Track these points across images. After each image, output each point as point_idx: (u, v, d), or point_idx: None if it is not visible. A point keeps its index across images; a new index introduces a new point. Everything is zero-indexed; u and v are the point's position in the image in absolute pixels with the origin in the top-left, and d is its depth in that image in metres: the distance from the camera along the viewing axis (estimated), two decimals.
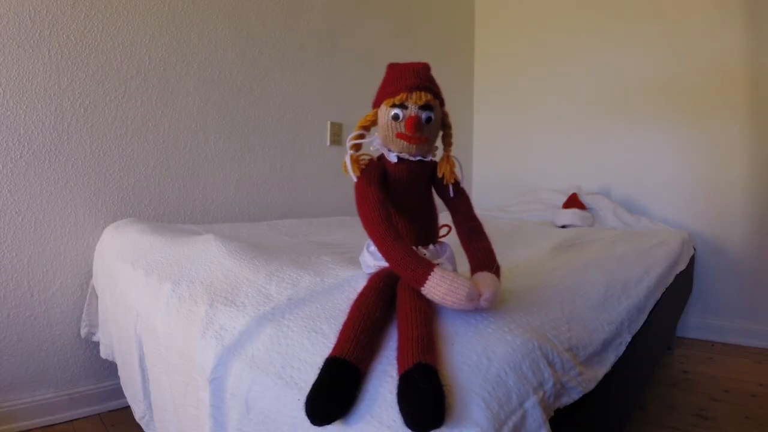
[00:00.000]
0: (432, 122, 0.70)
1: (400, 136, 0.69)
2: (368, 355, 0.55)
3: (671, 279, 1.41)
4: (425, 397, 0.45)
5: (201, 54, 1.59)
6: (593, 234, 1.73)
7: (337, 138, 2.05)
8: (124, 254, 1.12)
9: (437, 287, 0.58)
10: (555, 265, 1.09)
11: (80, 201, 1.35)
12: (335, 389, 0.49)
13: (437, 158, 0.77)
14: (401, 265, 0.61)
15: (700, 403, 1.53)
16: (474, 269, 0.71)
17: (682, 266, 1.61)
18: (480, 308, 0.60)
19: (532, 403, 0.52)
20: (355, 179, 0.71)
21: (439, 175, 0.76)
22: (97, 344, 1.36)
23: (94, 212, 1.38)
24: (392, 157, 0.72)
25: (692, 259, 1.92)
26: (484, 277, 0.64)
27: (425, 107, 0.69)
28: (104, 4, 1.37)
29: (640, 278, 1.10)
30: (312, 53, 1.92)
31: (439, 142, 0.76)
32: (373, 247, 0.75)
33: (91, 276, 1.36)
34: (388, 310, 0.62)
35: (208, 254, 0.95)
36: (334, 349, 0.54)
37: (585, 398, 0.66)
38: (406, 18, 2.40)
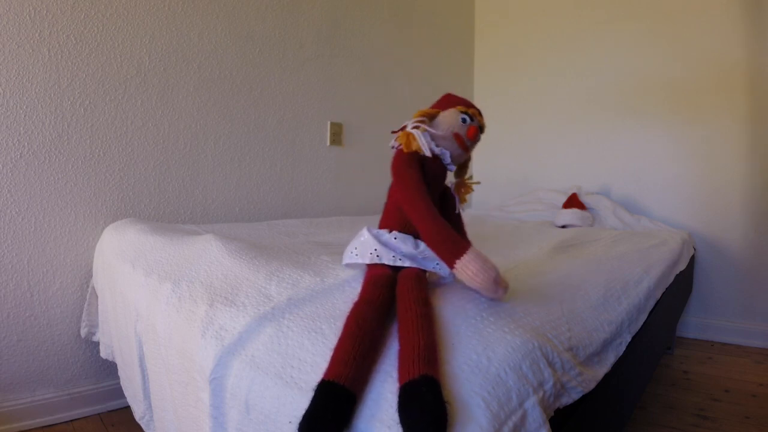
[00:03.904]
0: (477, 141, 0.82)
1: (457, 136, 0.78)
2: (365, 375, 0.53)
3: (671, 279, 1.41)
4: (431, 411, 0.44)
5: (201, 54, 1.59)
6: (593, 234, 1.73)
7: (337, 138, 2.05)
8: (124, 254, 1.12)
9: (470, 264, 0.62)
10: (555, 265, 1.09)
11: (80, 201, 1.35)
12: (329, 419, 0.47)
13: (453, 180, 0.86)
14: (438, 239, 0.65)
15: (700, 403, 1.53)
16: None
17: (682, 266, 1.61)
18: (497, 297, 0.65)
19: (532, 403, 0.52)
20: (429, 154, 0.76)
21: (457, 194, 0.84)
22: (97, 344, 1.36)
23: (94, 212, 1.38)
24: (436, 150, 0.79)
25: (692, 259, 1.92)
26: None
27: (481, 129, 0.83)
28: (104, 4, 1.37)
29: (640, 278, 1.10)
30: (312, 53, 1.92)
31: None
32: (376, 231, 0.74)
33: (91, 276, 1.36)
34: (386, 323, 0.60)
35: (208, 254, 0.95)
36: (330, 370, 0.52)
37: (585, 398, 0.66)
38: (406, 18, 2.40)
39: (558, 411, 0.60)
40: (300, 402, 0.53)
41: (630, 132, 2.36)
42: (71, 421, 1.34)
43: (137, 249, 1.10)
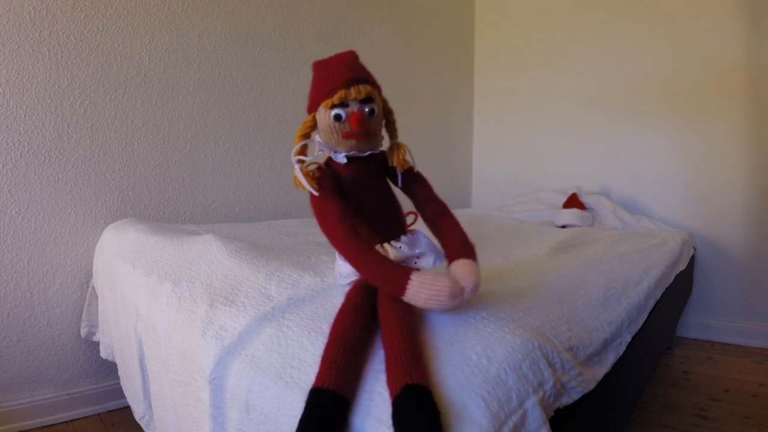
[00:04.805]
0: (375, 114, 0.68)
1: (346, 135, 0.66)
2: (354, 378, 0.53)
3: (671, 279, 1.41)
4: (420, 421, 0.44)
5: (201, 54, 1.59)
6: (593, 234, 1.73)
7: None
8: (124, 254, 1.12)
9: (418, 294, 0.57)
10: (555, 265, 1.09)
11: (80, 201, 1.35)
12: (322, 424, 0.48)
13: (385, 148, 0.75)
14: (377, 277, 0.61)
15: (700, 403, 1.53)
16: (450, 256, 0.69)
17: (682, 266, 1.61)
18: (463, 302, 0.60)
19: (532, 403, 0.52)
20: (316, 194, 0.67)
21: (391, 164, 0.74)
22: (97, 344, 1.36)
23: (94, 212, 1.38)
24: (341, 159, 0.69)
25: (692, 259, 1.92)
26: (464, 267, 0.62)
27: (366, 100, 0.67)
28: (104, 4, 1.37)
29: (640, 278, 1.10)
30: (312, 53, 1.92)
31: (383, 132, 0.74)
32: None
33: (91, 276, 1.36)
34: (369, 327, 0.60)
35: (208, 254, 0.95)
36: (318, 378, 0.52)
37: (585, 398, 0.66)
38: (406, 18, 2.40)
39: (558, 411, 0.60)
40: (300, 402, 0.53)
41: (630, 132, 2.36)
42: (71, 421, 1.34)
43: (137, 249, 1.10)
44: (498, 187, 2.81)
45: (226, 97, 1.66)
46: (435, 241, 0.75)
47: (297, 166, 0.68)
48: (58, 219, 1.31)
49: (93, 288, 1.32)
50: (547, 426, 0.52)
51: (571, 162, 2.54)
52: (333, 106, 0.66)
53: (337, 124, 0.66)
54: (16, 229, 1.25)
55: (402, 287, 0.58)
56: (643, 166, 2.32)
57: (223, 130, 1.66)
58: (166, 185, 1.53)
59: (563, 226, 2.10)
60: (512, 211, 2.43)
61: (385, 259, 0.62)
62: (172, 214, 1.54)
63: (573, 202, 2.20)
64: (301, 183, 0.67)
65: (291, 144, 1.85)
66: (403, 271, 0.59)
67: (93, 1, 1.35)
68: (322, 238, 1.30)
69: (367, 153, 0.70)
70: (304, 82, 1.90)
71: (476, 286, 0.60)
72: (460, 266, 0.63)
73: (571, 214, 2.12)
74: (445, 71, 2.70)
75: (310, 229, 1.47)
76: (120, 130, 1.42)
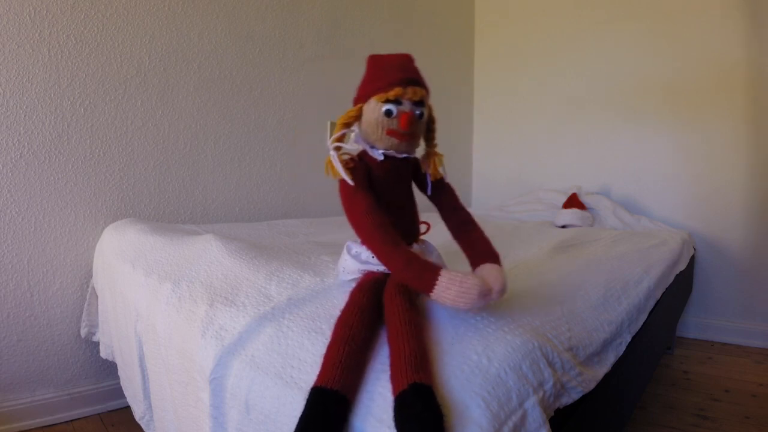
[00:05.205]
0: (422, 119, 0.70)
1: (391, 133, 0.67)
2: (357, 378, 0.52)
3: (671, 279, 1.41)
4: (424, 420, 0.44)
5: (201, 54, 1.59)
6: (593, 234, 1.73)
7: None
8: (124, 254, 1.12)
9: (447, 291, 0.56)
10: (555, 265, 1.09)
11: (80, 201, 1.35)
12: (323, 424, 0.48)
13: (417, 155, 0.76)
14: (405, 272, 0.60)
15: (700, 403, 1.53)
16: (474, 261, 0.70)
17: (682, 266, 1.61)
18: (491, 302, 0.59)
19: (532, 403, 0.52)
20: (351, 182, 0.67)
21: (425, 171, 0.75)
22: (97, 344, 1.36)
23: (94, 212, 1.38)
24: (378, 155, 0.70)
25: (692, 259, 1.92)
26: (490, 270, 0.63)
27: (419, 103, 0.68)
28: (104, 4, 1.37)
29: (640, 278, 1.10)
30: (312, 53, 1.92)
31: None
32: (355, 250, 0.71)
33: (91, 276, 1.36)
34: (375, 326, 0.60)
35: (208, 254, 0.95)
36: (320, 377, 0.52)
37: (585, 398, 0.66)
38: (406, 18, 2.40)
39: (558, 411, 0.60)
40: (300, 402, 0.53)
41: (630, 132, 2.36)
42: (71, 421, 1.34)
43: (137, 249, 1.10)
44: (498, 187, 2.81)
45: (226, 97, 1.66)
46: (443, 257, 0.75)
47: (333, 153, 0.68)
48: (58, 219, 1.31)
49: (93, 288, 1.33)
50: (547, 426, 0.52)
51: (571, 162, 2.54)
52: (387, 101, 0.66)
53: (385, 119, 0.67)
54: (16, 229, 1.25)
55: (431, 283, 0.57)
56: (643, 166, 2.32)
57: (223, 130, 1.66)
58: (166, 185, 1.53)
59: (563, 226, 2.10)
60: (512, 211, 2.43)
61: (413, 255, 0.61)
62: (172, 214, 1.54)
63: (573, 202, 2.20)
64: (334, 169, 0.68)
65: (291, 144, 1.86)
66: (432, 266, 0.59)
67: (93, 1, 1.35)
68: (323, 238, 1.30)
69: (403, 155, 0.71)
70: (304, 82, 1.90)
71: (504, 288, 0.60)
72: (488, 269, 0.64)
73: (571, 214, 2.12)
74: (445, 71, 2.70)
75: (310, 229, 1.47)
76: (120, 130, 1.42)
